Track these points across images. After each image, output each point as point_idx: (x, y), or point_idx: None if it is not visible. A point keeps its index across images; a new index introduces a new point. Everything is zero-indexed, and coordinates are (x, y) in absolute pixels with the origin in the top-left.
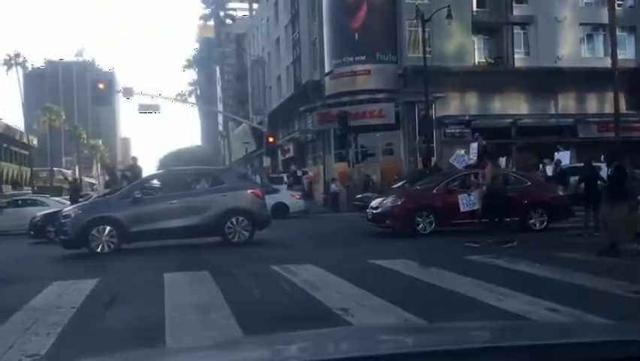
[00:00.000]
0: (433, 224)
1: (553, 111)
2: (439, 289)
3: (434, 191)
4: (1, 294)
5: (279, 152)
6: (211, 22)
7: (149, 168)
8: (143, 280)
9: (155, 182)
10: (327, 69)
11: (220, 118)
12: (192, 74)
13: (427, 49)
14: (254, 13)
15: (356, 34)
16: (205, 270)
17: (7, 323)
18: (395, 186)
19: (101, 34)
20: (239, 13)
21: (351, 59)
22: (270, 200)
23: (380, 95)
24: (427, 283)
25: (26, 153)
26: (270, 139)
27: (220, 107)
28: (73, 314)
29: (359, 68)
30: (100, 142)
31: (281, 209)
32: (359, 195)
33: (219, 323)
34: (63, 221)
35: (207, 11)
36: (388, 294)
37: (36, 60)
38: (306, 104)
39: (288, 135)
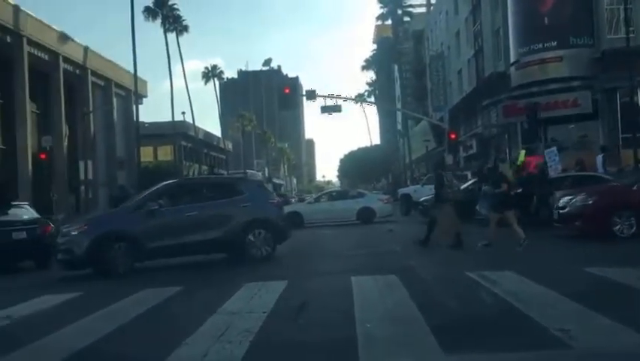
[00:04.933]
0: (634, 227)
1: None
2: None
3: (634, 188)
4: (199, 296)
5: (461, 148)
6: (388, 22)
7: (331, 167)
8: (331, 283)
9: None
10: (512, 59)
11: (399, 116)
12: (370, 75)
13: (630, 28)
14: (432, 8)
15: (545, 18)
16: (393, 274)
17: (203, 327)
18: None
19: (286, 44)
20: (416, 10)
21: (541, 45)
22: (356, 205)
23: (574, 83)
24: None
25: (223, 157)
26: (452, 136)
27: (399, 105)
28: (264, 321)
29: (549, 55)
30: (286, 145)
31: (367, 214)
32: (423, 198)
33: (416, 339)
34: (65, 238)
35: (384, 10)
36: (617, 313)
37: (229, 72)
38: (490, 97)
39: (470, 131)
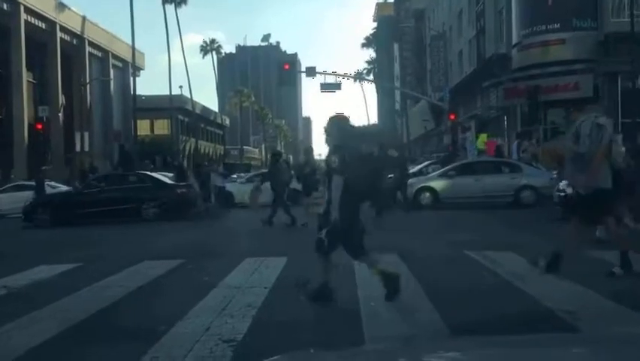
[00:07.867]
0: None
1: None
2: None
3: None
4: (202, 269)
5: (459, 129)
6: (390, 0)
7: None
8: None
9: None
10: (514, 41)
11: (397, 96)
12: (370, 53)
13: (635, 12)
14: None
15: (549, 0)
16: (394, 253)
17: (205, 300)
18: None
19: (285, 19)
20: None
21: (544, 27)
22: None
23: (576, 67)
24: None
25: (220, 132)
26: (451, 116)
27: (398, 84)
28: (266, 296)
29: (552, 37)
30: (283, 122)
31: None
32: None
33: (421, 318)
34: None
35: None
36: (618, 296)
37: (229, 47)
38: (491, 79)
39: (470, 112)
